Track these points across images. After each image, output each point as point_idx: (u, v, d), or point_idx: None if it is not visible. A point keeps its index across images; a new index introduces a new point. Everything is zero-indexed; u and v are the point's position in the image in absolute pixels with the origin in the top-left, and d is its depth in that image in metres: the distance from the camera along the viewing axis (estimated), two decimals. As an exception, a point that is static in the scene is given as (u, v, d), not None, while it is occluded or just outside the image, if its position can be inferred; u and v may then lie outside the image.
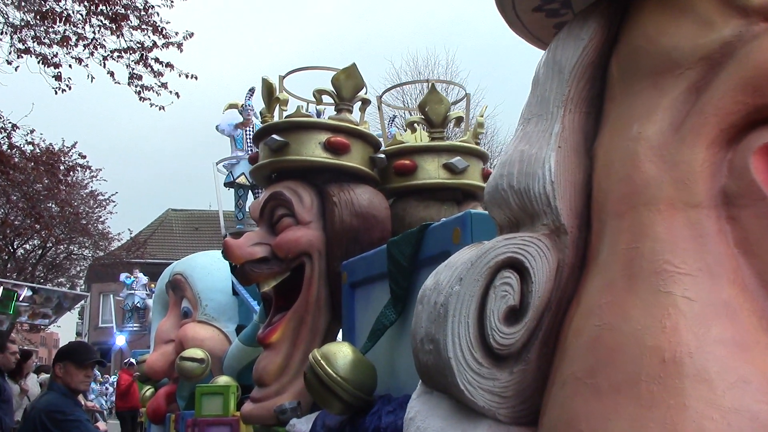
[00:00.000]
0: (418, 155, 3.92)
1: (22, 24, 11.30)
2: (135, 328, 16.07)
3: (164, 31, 11.48)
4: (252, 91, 6.17)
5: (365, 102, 3.90)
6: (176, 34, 11.67)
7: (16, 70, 11.58)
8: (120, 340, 19.09)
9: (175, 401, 6.11)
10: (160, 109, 11.67)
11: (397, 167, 3.92)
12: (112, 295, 17.93)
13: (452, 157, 3.89)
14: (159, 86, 11.59)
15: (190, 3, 12.70)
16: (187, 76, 11.55)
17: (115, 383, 13.79)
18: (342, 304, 3.44)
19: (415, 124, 4.01)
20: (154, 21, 11.45)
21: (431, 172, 3.89)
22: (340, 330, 3.85)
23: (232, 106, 6.09)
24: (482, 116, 4.06)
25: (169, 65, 11.56)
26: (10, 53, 11.46)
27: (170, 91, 11.56)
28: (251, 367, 6.07)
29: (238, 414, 5.42)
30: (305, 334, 3.67)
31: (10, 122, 13.05)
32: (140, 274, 16.60)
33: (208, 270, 6.18)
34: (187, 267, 6.23)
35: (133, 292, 15.91)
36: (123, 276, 16.53)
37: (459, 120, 4.02)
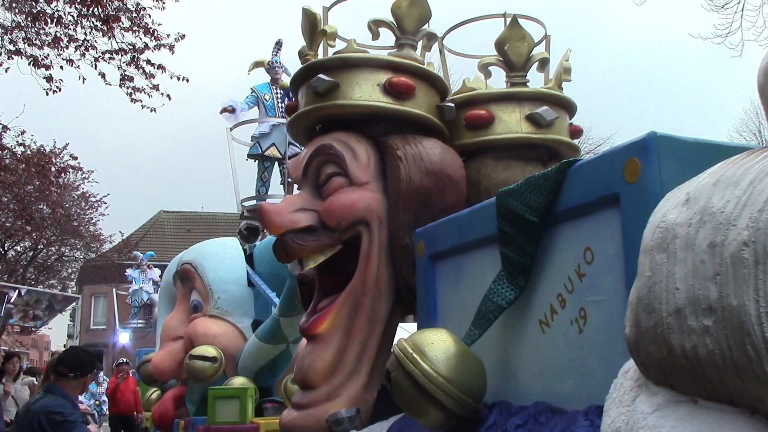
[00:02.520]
0: (495, 104, 3.08)
1: (13, 25, 10.97)
2: (139, 325, 14.90)
3: (156, 33, 11.18)
4: (279, 44, 5.29)
5: (431, 37, 3.07)
6: (168, 36, 11.38)
7: (6, 71, 11.31)
8: (123, 338, 17.90)
9: (184, 405, 5.23)
10: (151, 110, 11.54)
11: (470, 119, 3.09)
12: (114, 290, 16.85)
13: (537, 106, 3.06)
14: (150, 88, 11.35)
15: (181, 5, 12.63)
16: (178, 78, 11.38)
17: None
18: (417, 282, 2.58)
19: (490, 67, 3.16)
20: (145, 23, 11.15)
21: (512, 124, 3.05)
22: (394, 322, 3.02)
23: (257, 64, 5.22)
24: (567, 61, 3.23)
25: (160, 67, 11.28)
26: (0, 54, 11.14)
27: (162, 93, 11.36)
28: (270, 367, 5.21)
29: (257, 421, 4.56)
30: (362, 323, 2.82)
31: (0, 123, 12.68)
32: (153, 268, 15.42)
33: (220, 258, 5.30)
34: (197, 255, 5.34)
35: (140, 287, 14.79)
36: (129, 272, 15.42)
37: (544, 62, 3.19)
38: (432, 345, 1.99)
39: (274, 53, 5.13)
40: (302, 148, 4.09)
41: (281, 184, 4.21)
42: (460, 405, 1.94)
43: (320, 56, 3.02)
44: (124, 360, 11.56)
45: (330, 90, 2.91)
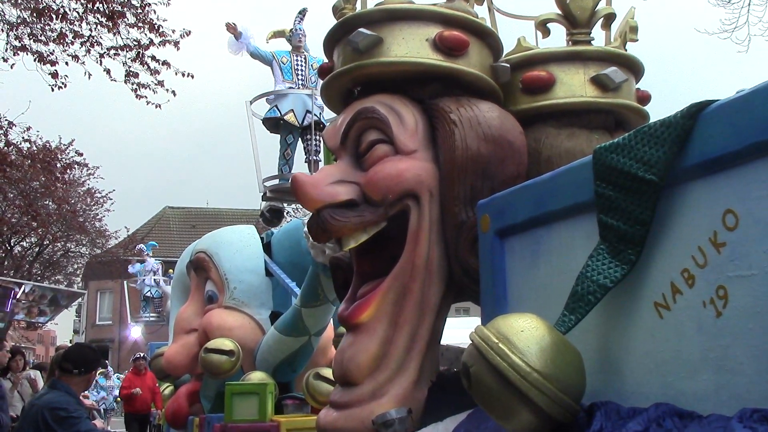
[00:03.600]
0: (556, 65, 2.68)
1: (19, 21, 10.90)
2: (151, 319, 14.37)
3: (161, 29, 11.09)
4: (303, 13, 4.88)
5: (481, -11, 2.66)
6: (173, 32, 11.28)
7: (12, 67, 11.23)
8: (135, 332, 17.43)
9: (199, 402, 4.85)
10: (156, 107, 11.51)
11: (528, 82, 2.68)
12: (126, 282, 16.41)
13: (603, 67, 2.65)
14: (155, 84, 11.29)
15: (187, 1, 12.44)
16: (183, 75, 11.36)
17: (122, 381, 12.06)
18: (480, 262, 2.18)
19: (549, 24, 2.75)
20: (150, 19, 11.05)
21: (575, 87, 2.65)
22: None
23: (277, 34, 4.80)
24: (633, 18, 2.82)
25: (165, 63, 11.20)
26: (6, 50, 11.15)
27: (167, 89, 11.31)
28: (290, 361, 4.79)
29: (277, 419, 4.16)
30: (410, 311, 2.41)
31: (6, 120, 12.87)
32: (150, 259, 14.93)
33: (236, 247, 4.91)
34: (211, 243, 4.95)
35: (143, 277, 14.28)
36: (131, 267, 14.93)
37: (609, 17, 2.78)
38: (522, 333, 1.60)
39: (297, 21, 4.72)
40: (321, 118, 3.71)
41: (306, 162, 3.79)
42: (558, 406, 1.55)
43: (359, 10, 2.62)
44: (141, 355, 10.85)
45: (372, 46, 2.51)
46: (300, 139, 3.80)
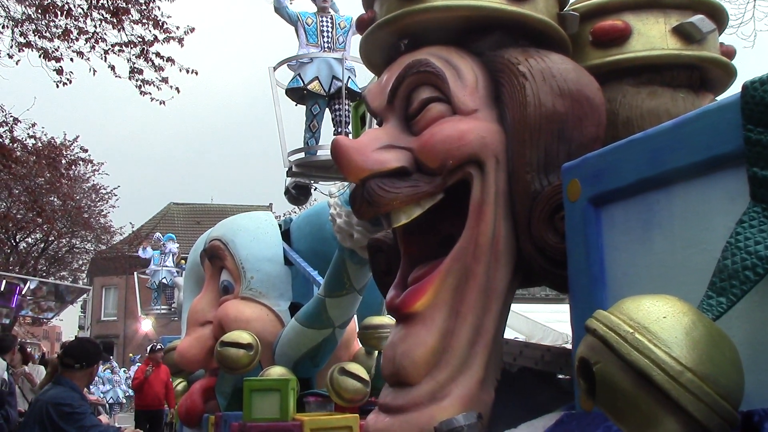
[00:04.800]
0: (632, 14, 2.27)
1: (24, 18, 10.76)
2: (162, 311, 13.83)
3: (165, 26, 11.00)
4: None
5: None
6: (177, 28, 11.21)
7: (17, 63, 11.15)
8: (146, 325, 16.91)
9: (214, 398, 4.44)
10: (160, 103, 11.48)
11: (599, 33, 2.28)
12: (136, 274, 15.94)
13: (686, 15, 2.25)
14: (160, 81, 11.21)
15: None
16: (187, 71, 11.25)
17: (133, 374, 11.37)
18: (568, 238, 1.78)
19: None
20: (155, 15, 10.97)
21: (655, 39, 2.24)
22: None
23: None
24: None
25: (169, 60, 11.11)
26: (11, 47, 11.03)
27: (171, 86, 11.19)
28: (312, 355, 4.36)
29: (300, 417, 3.76)
30: (474, 298, 2.01)
31: (11, 116, 12.77)
32: (171, 243, 14.30)
33: (253, 234, 4.50)
34: (227, 230, 4.54)
35: (159, 268, 13.74)
36: (142, 252, 14.36)
37: (690, -40, 2.35)
38: (665, 320, 1.21)
39: (324, -22, 4.31)
40: (352, 84, 3.28)
41: (334, 135, 3.38)
42: (717, 415, 1.16)
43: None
44: (159, 346, 10.27)
45: (426, -10, 2.10)
46: (328, 108, 3.39)
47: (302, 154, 3.22)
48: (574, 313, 1.73)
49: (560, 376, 2.31)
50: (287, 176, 3.28)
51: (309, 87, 3.28)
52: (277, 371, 4.07)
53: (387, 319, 4.35)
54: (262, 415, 3.77)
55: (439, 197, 2.07)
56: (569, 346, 2.22)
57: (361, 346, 4.69)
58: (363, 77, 3.48)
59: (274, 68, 3.20)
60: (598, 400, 1.23)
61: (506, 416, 2.02)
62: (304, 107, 3.41)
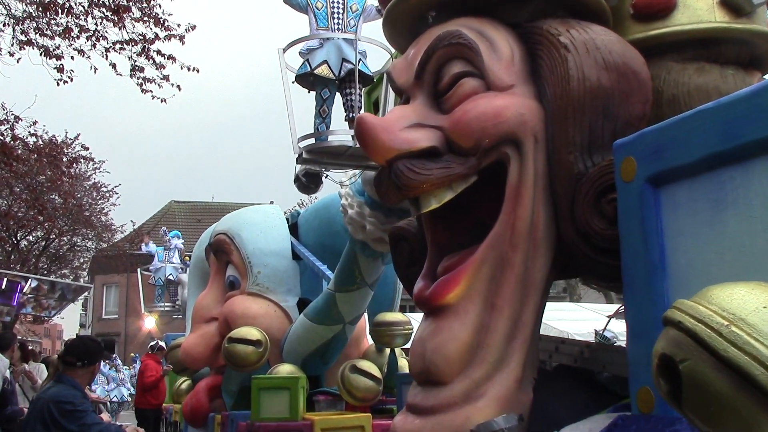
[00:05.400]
0: (676, -16, 2.07)
1: (25, 15, 10.65)
2: (166, 308, 13.55)
3: (166, 23, 10.89)
4: None
5: None
6: (178, 26, 11.10)
7: (18, 61, 11.02)
8: (150, 323, 16.62)
9: (220, 397, 4.25)
10: (161, 101, 11.30)
11: (642, 6, 2.10)
12: (139, 270, 15.67)
13: (735, -15, 2.05)
14: (161, 79, 11.10)
15: None
16: (188, 69, 11.06)
17: (138, 372, 10.99)
18: (621, 223, 1.59)
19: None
20: (156, 13, 10.85)
21: (701, 12, 2.06)
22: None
23: None
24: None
25: (171, 58, 10.99)
26: (12, 45, 10.90)
27: (172, 84, 11.07)
28: (321, 352, 4.17)
29: (310, 417, 3.58)
30: (512, 289, 1.83)
31: (12, 114, 12.58)
32: (176, 240, 14.01)
33: (260, 228, 4.32)
34: (233, 224, 4.35)
35: (163, 265, 13.44)
36: (144, 247, 14.06)
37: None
38: (765, 311, 1.03)
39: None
40: (363, 67, 3.10)
41: (346, 120, 3.20)
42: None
43: None
44: (160, 345, 9.95)
45: (456, -45, 1.91)
46: (338, 93, 3.22)
47: (312, 140, 3.05)
48: (630, 306, 1.55)
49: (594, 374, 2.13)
50: (297, 163, 3.10)
51: (316, 71, 3.10)
52: (285, 369, 3.89)
53: (400, 316, 4.18)
54: (271, 414, 3.60)
55: (472, 180, 1.89)
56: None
57: (370, 343, 4.51)
58: (374, 62, 3.29)
59: (284, 50, 3.02)
60: (685, 403, 1.05)
61: (545, 418, 1.84)
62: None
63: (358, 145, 3.03)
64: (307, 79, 3.17)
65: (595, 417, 1.73)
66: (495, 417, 1.73)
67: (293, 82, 3.35)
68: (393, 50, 3.19)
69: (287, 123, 3.01)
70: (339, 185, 3.35)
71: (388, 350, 4.27)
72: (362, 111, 3.17)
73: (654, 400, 1.44)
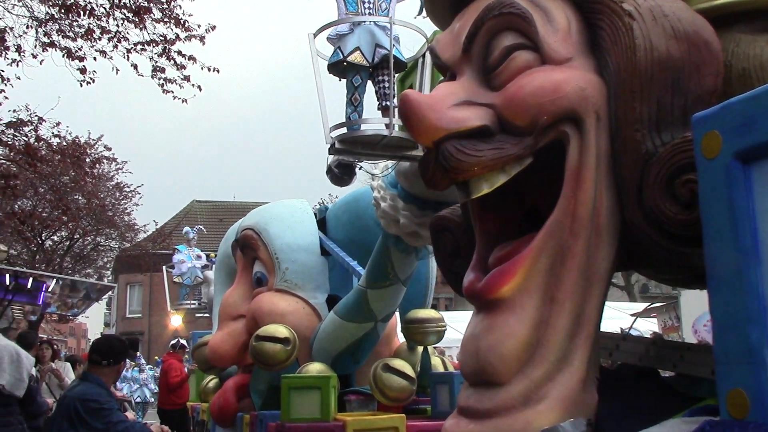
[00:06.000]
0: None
1: (47, 18, 10.71)
2: (192, 306, 13.46)
3: (186, 24, 10.90)
4: None
5: None
6: (198, 26, 11.11)
7: (41, 63, 11.04)
8: (176, 321, 16.56)
9: (248, 396, 4.13)
10: (183, 101, 11.37)
11: (707, -29, 1.89)
12: (165, 268, 15.63)
13: (809, -52, 1.86)
14: (182, 79, 11.11)
15: None
16: (209, 69, 11.05)
17: (161, 372, 10.83)
18: (703, 205, 1.41)
19: None
20: (176, 14, 10.87)
21: (774, -23, 1.86)
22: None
23: None
24: None
25: (191, 58, 10.99)
26: (35, 47, 10.94)
27: (192, 84, 11.05)
28: (352, 351, 4.01)
29: (342, 417, 3.43)
30: (573, 280, 1.66)
31: (36, 115, 12.68)
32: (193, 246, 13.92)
33: (287, 223, 4.18)
34: (260, 219, 4.22)
35: (193, 264, 13.31)
36: (176, 258, 13.86)
37: None
38: None
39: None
40: (397, 53, 2.95)
41: (378, 109, 3.04)
42: None
43: None
44: (183, 343, 9.75)
45: None
46: (370, 80, 3.05)
47: (344, 129, 2.89)
48: (716, 298, 1.37)
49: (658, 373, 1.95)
50: (329, 154, 2.95)
51: (349, 58, 2.94)
52: (315, 368, 3.74)
53: (433, 313, 4.02)
54: (302, 414, 3.46)
55: (527, 162, 1.72)
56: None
57: (401, 341, 4.35)
58: (407, 48, 3.12)
59: (314, 35, 2.86)
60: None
61: (613, 422, 1.67)
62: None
63: (393, 134, 2.88)
64: (338, 67, 3.01)
65: (670, 422, 1.56)
66: (559, 421, 1.57)
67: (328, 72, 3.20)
68: (428, 34, 3.04)
69: (318, 113, 2.86)
70: (371, 177, 3.19)
71: (420, 348, 4.11)
72: (396, 99, 3.01)
73: (749, 404, 1.27)
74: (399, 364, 3.69)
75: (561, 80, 1.67)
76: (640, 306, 15.47)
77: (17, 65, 10.87)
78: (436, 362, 4.13)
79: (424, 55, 3.04)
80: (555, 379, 1.63)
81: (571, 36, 1.74)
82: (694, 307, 9.75)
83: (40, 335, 11.19)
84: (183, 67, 11.10)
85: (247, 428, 4.02)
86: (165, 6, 10.82)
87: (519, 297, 1.67)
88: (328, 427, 3.44)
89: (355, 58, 2.91)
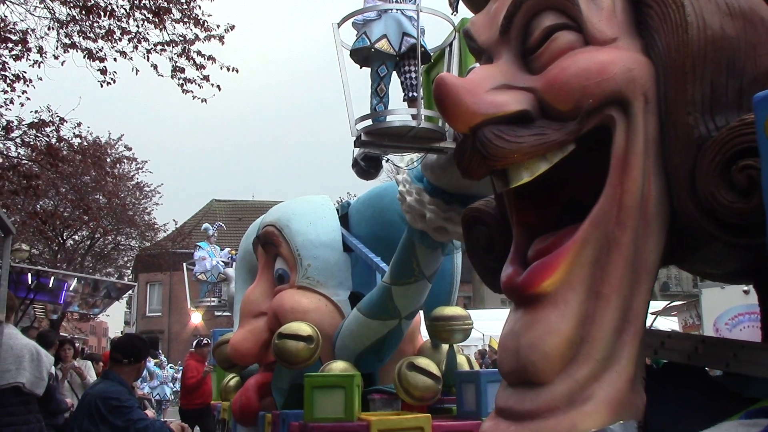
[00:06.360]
0: None
1: (68, 19, 10.64)
2: (213, 304, 13.39)
3: (206, 24, 10.79)
4: None
5: None
6: (217, 26, 10.95)
7: (62, 64, 11.00)
8: (196, 318, 16.51)
9: (270, 395, 4.04)
10: (202, 101, 11.31)
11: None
12: (185, 265, 15.60)
13: None
14: (201, 79, 11.01)
15: None
16: (228, 69, 10.98)
17: (182, 372, 10.78)
18: None
19: None
20: (195, 14, 10.75)
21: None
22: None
23: None
24: None
25: (210, 58, 10.89)
26: (56, 48, 10.86)
27: (212, 84, 10.98)
28: (376, 349, 3.93)
29: (366, 417, 3.34)
30: (620, 273, 1.56)
31: (58, 116, 12.49)
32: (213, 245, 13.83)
33: (309, 218, 4.10)
34: (281, 215, 4.14)
35: (217, 262, 13.21)
36: (197, 256, 13.70)
37: None
38: None
39: None
40: (423, 43, 2.85)
41: (404, 100, 2.93)
42: None
43: None
44: (205, 341, 9.59)
45: None
46: (395, 71, 2.95)
47: (370, 121, 2.80)
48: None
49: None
50: (355, 146, 2.85)
51: (376, 45, 2.84)
52: (339, 366, 3.66)
53: (459, 310, 3.91)
54: (326, 414, 3.37)
55: (570, 149, 1.62)
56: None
57: (425, 339, 4.26)
58: (432, 40, 3.02)
59: (339, 24, 2.76)
60: None
61: (660, 424, 1.57)
62: (368, 71, 2.96)
63: (421, 126, 2.78)
64: (362, 53, 2.91)
65: (726, 424, 1.46)
66: (607, 424, 1.47)
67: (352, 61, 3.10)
68: (455, 22, 2.94)
69: (340, 108, 2.77)
70: (396, 171, 3.10)
71: (445, 346, 4.01)
72: (421, 90, 2.91)
73: (822, 406, 1.16)
74: (424, 362, 3.60)
75: (607, 61, 1.57)
76: (660, 304, 15.21)
77: (39, 66, 10.87)
78: (461, 361, 4.03)
79: (451, 45, 2.94)
80: (601, 378, 1.53)
81: (616, 15, 1.64)
82: (716, 305, 9.55)
83: (62, 334, 11.20)
84: (202, 67, 11.02)
85: (269, 428, 3.94)
86: (184, 6, 10.76)
87: (562, 291, 1.57)
88: (353, 427, 3.35)
89: (383, 45, 2.81)
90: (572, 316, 1.56)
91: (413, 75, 2.91)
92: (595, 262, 1.58)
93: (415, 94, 2.90)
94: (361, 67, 2.97)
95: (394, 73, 2.99)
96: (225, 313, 12.30)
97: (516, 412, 1.57)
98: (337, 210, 4.36)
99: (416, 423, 3.42)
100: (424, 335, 4.32)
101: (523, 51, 1.70)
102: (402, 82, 2.96)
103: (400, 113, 2.83)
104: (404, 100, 2.97)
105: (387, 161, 3.00)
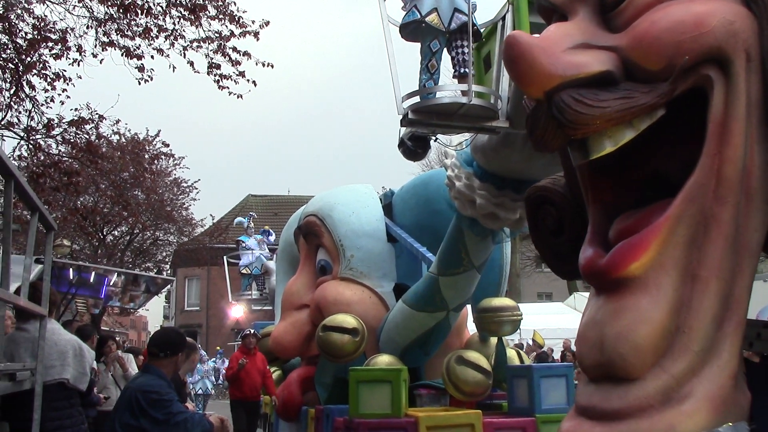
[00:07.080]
0: None
1: (106, 18, 10.83)
2: (253, 297, 13.30)
3: (241, 20, 10.89)
4: None
5: None
6: (252, 22, 11.04)
7: (101, 62, 11.17)
8: (237, 311, 16.47)
9: (313, 389, 3.91)
10: (238, 97, 11.36)
11: None
12: (225, 258, 15.62)
13: None
14: (237, 75, 11.11)
15: None
16: (263, 65, 11.14)
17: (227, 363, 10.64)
18: None
19: None
20: (231, 11, 10.84)
21: None
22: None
23: None
24: None
25: (246, 54, 11.01)
26: (95, 46, 11.02)
27: (247, 80, 11.09)
28: (422, 342, 3.76)
29: (414, 413, 3.18)
30: (719, 254, 1.37)
31: (97, 113, 12.61)
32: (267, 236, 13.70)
33: (352, 208, 3.95)
34: (323, 205, 4.00)
35: (260, 254, 13.10)
36: (242, 247, 13.45)
37: None
38: None
39: None
40: (473, 20, 2.68)
41: (454, 77, 2.76)
42: None
43: None
44: (251, 331, 9.41)
45: None
46: (446, 48, 2.78)
47: (417, 99, 2.63)
48: None
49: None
50: (401, 125, 2.69)
51: (427, 19, 2.67)
52: (384, 360, 3.50)
53: (508, 301, 3.73)
54: (371, 409, 3.22)
55: (659, 114, 1.42)
56: None
57: (472, 332, 4.08)
58: (482, 15, 2.84)
59: (384, -1, 2.63)
60: None
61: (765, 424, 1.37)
62: (417, 50, 2.80)
63: (471, 103, 2.60)
64: (411, 27, 2.74)
65: None
66: (710, 425, 1.28)
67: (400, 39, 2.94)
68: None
69: (390, 81, 2.59)
70: (445, 155, 2.92)
71: (493, 340, 3.82)
72: (472, 67, 2.72)
73: None
74: (474, 356, 3.42)
75: (704, 13, 1.37)
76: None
77: (78, 65, 10.99)
78: (511, 354, 3.84)
79: (504, 18, 2.75)
80: (701, 373, 1.34)
81: None
82: (756, 299, 9.23)
83: (103, 328, 11.21)
84: (238, 63, 11.13)
85: (312, 423, 3.81)
86: (220, 3, 10.83)
87: (653, 275, 1.38)
88: (400, 423, 3.19)
89: (433, 19, 2.65)
90: (666, 302, 1.36)
91: (465, 50, 2.73)
92: (690, 241, 1.38)
93: (466, 70, 2.72)
94: (409, 42, 2.81)
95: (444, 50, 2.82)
96: (265, 307, 12.23)
97: (602, 411, 1.39)
98: (381, 199, 4.20)
99: (467, 419, 3.24)
100: (470, 328, 4.14)
101: (602, 7, 1.51)
102: (452, 58, 2.78)
103: (450, 89, 2.66)
104: (454, 77, 2.79)
105: (435, 140, 2.82)
